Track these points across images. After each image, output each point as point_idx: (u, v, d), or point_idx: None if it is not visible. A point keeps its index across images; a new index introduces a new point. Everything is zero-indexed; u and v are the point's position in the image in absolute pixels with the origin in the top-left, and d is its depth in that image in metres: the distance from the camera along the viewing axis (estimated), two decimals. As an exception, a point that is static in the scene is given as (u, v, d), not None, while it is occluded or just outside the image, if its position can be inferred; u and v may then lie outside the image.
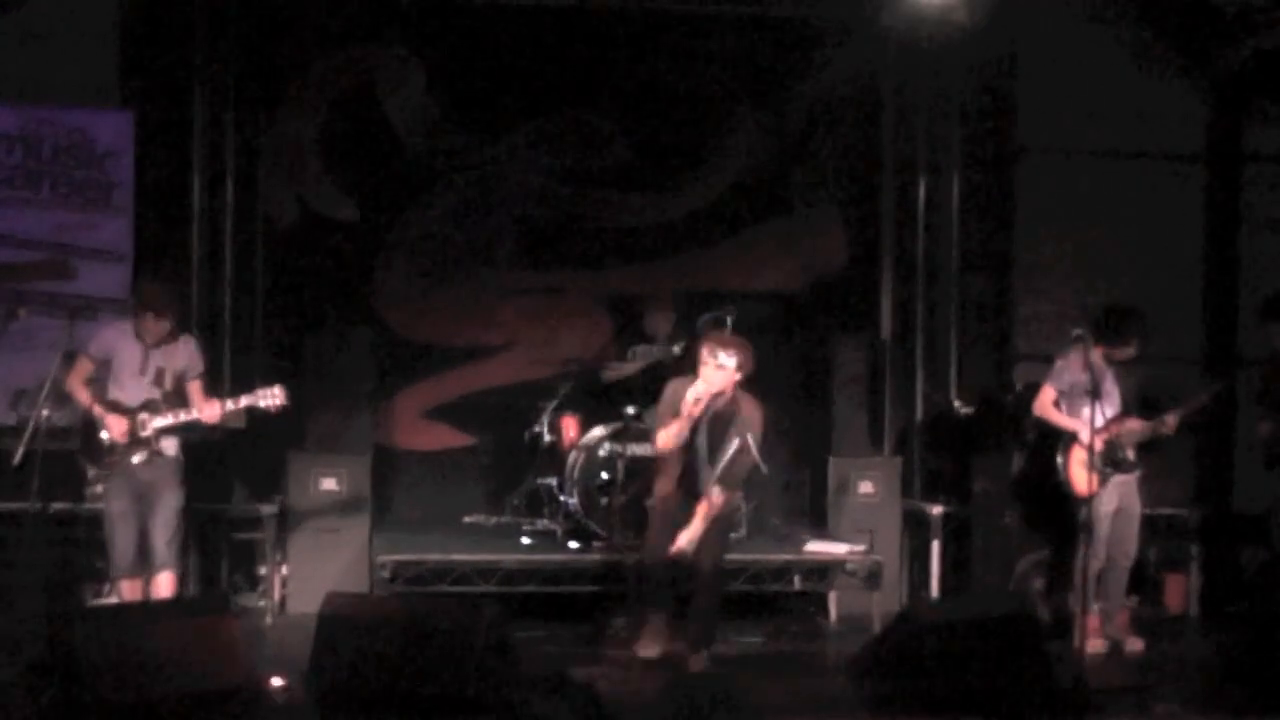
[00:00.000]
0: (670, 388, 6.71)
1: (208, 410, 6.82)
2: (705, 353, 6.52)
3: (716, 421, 6.55)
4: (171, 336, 6.89)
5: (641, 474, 7.57)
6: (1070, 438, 7.25)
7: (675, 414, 6.56)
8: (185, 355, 6.95)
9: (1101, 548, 7.29)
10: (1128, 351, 7.38)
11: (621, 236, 9.36)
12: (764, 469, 6.64)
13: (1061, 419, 7.32)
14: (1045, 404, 7.36)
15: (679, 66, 9.29)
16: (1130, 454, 7.34)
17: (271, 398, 6.83)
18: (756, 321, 9.01)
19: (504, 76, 9.11)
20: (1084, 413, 7.02)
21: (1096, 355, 7.15)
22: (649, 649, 6.68)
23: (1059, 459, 7.32)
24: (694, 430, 6.60)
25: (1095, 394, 6.75)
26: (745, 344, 6.68)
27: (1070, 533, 7.28)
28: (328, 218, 9.11)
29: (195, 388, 6.94)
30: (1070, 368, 7.26)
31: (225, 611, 6.20)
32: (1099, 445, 7.14)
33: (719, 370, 6.46)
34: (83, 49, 8.42)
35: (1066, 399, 7.32)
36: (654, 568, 6.69)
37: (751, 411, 6.61)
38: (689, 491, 6.57)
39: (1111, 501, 7.28)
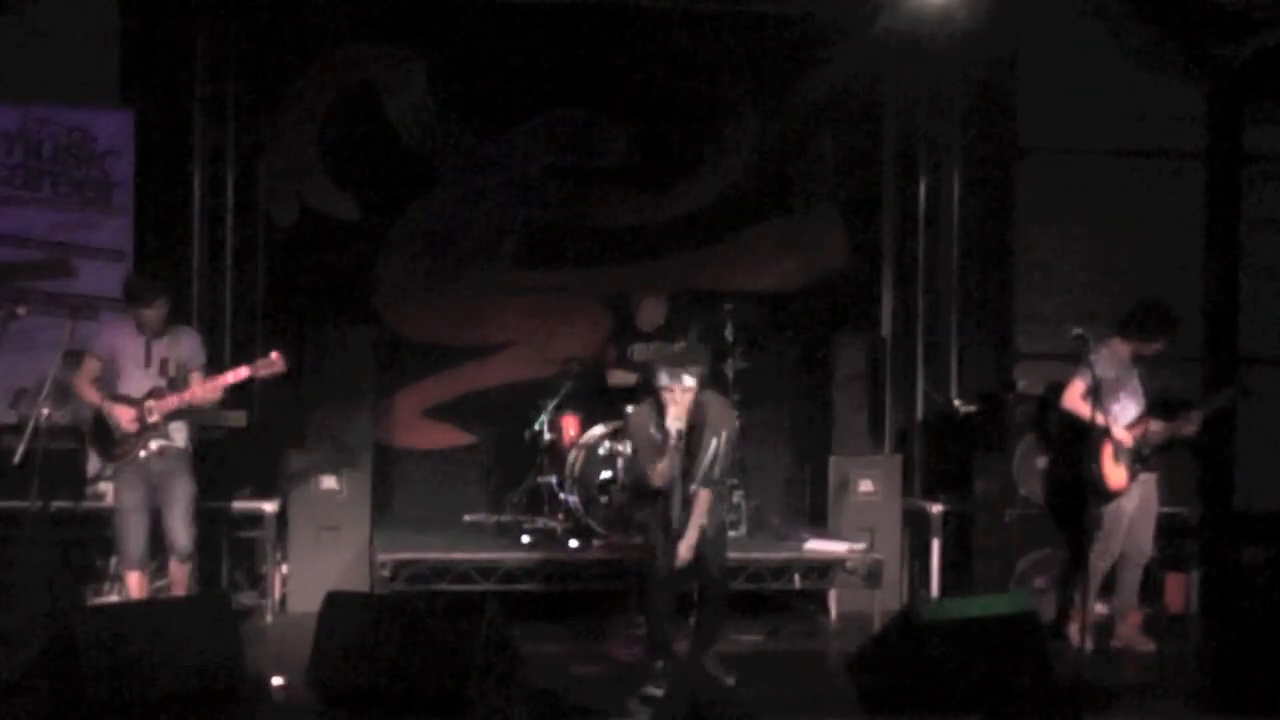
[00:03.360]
0: (633, 421, 6.68)
1: (208, 388, 6.86)
2: (666, 378, 6.44)
3: (690, 431, 6.54)
4: (169, 324, 6.95)
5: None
6: (1102, 433, 7.17)
7: (652, 445, 6.53)
8: (188, 346, 7.01)
9: (1117, 546, 7.28)
10: (1155, 348, 7.37)
11: (621, 236, 9.35)
12: (720, 469, 6.61)
13: (1091, 414, 7.22)
14: (1074, 397, 7.27)
15: (679, 66, 9.29)
16: (1152, 452, 7.35)
17: (269, 366, 6.87)
18: (756, 321, 9.05)
19: (504, 75, 9.11)
20: (1114, 409, 7.04)
21: (1124, 351, 7.20)
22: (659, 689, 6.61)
23: (1090, 454, 7.26)
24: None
25: (1096, 392, 6.75)
26: (697, 355, 6.70)
27: (1088, 529, 7.23)
28: (328, 217, 9.11)
29: (197, 378, 6.96)
30: (1101, 363, 7.20)
31: (225, 610, 6.20)
32: (1129, 442, 7.17)
33: (685, 393, 6.45)
34: (83, 49, 8.43)
35: (1094, 394, 7.25)
36: (667, 584, 6.62)
37: (719, 409, 6.63)
38: (679, 501, 6.55)
39: (1134, 499, 7.29)
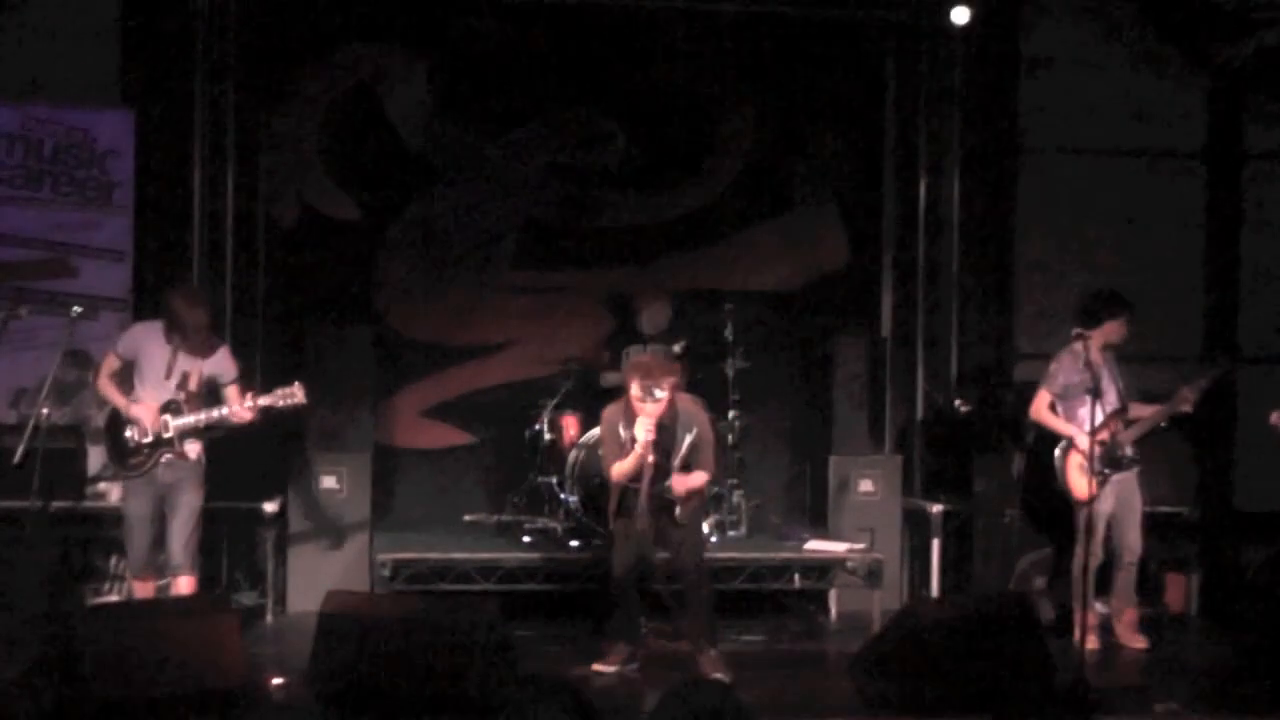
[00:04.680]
0: (606, 419, 6.82)
1: (240, 414, 6.72)
2: (638, 389, 6.59)
3: (660, 431, 6.62)
4: (203, 344, 6.77)
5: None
6: (1067, 442, 7.21)
7: (618, 443, 6.70)
8: (215, 361, 6.81)
9: (1099, 548, 7.27)
10: (1119, 333, 7.32)
11: (621, 236, 9.35)
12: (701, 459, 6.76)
13: (1057, 423, 7.26)
14: (1040, 408, 7.32)
15: (679, 65, 9.29)
16: (1129, 451, 7.28)
17: (289, 397, 6.70)
18: (756, 321, 9.05)
19: (504, 75, 9.11)
20: (1081, 414, 7.01)
21: (1094, 348, 7.14)
22: (608, 666, 6.78)
23: (1056, 463, 7.27)
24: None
25: (1095, 393, 6.73)
26: (669, 365, 6.83)
27: (1072, 532, 7.26)
28: (328, 217, 9.10)
29: (233, 393, 6.80)
30: (1064, 369, 7.23)
31: (225, 610, 6.20)
32: (1095, 447, 7.12)
33: (656, 403, 6.58)
34: (83, 48, 8.42)
35: (1063, 401, 7.29)
36: (624, 584, 6.81)
37: (690, 407, 6.79)
38: (655, 494, 6.65)
39: (1108, 501, 7.23)
